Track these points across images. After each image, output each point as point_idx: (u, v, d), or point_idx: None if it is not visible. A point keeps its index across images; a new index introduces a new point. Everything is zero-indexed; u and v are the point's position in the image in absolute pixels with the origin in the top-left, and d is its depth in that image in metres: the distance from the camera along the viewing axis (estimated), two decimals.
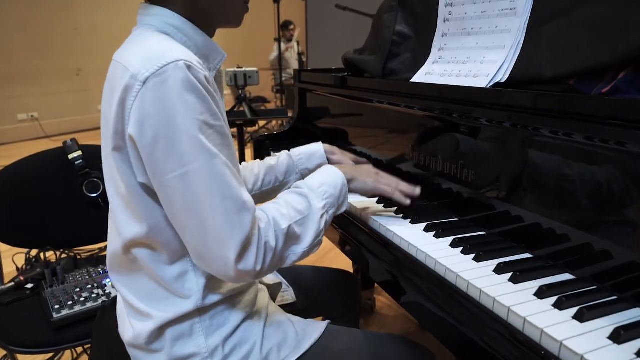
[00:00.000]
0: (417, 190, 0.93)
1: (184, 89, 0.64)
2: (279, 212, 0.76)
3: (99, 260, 1.48)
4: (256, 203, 1.17)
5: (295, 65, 5.86)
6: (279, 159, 1.12)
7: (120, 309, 0.87)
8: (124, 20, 6.55)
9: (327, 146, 1.15)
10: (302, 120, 1.70)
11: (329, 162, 1.12)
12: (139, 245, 0.76)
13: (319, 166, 1.00)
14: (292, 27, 6.02)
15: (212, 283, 0.79)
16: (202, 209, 0.66)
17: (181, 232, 0.70)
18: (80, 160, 1.45)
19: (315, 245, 0.79)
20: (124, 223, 0.75)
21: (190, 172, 0.65)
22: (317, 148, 1.13)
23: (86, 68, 6.16)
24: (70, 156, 1.46)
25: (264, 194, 1.11)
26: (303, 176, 1.11)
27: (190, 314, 0.77)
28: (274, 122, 5.50)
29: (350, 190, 0.89)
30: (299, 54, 5.68)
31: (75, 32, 5.98)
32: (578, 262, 0.68)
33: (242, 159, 2.27)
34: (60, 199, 1.45)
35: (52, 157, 1.48)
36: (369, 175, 0.92)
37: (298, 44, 5.91)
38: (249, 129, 4.33)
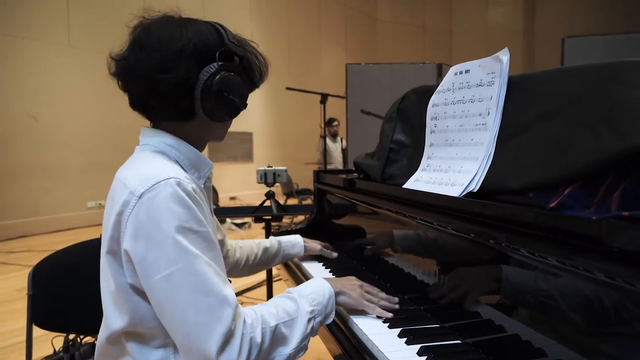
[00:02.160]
0: (396, 306, 1.00)
1: (172, 201, 0.76)
2: (268, 311, 0.82)
3: None
4: (246, 275, 1.32)
5: (339, 159, 6.11)
6: (271, 243, 1.36)
7: None
8: None
9: (304, 238, 1.42)
10: (319, 218, 1.78)
11: (305, 248, 1.40)
12: (126, 334, 0.84)
13: (299, 253, 1.37)
14: (335, 123, 6.39)
15: None
16: (185, 304, 0.74)
17: (168, 328, 0.78)
18: None
19: (301, 348, 0.83)
20: (111, 316, 0.84)
21: (174, 272, 0.75)
22: (298, 239, 1.41)
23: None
24: None
25: (253, 268, 1.32)
26: (284, 259, 1.39)
27: None
28: (301, 217, 5.63)
29: (338, 303, 0.95)
30: (343, 150, 5.95)
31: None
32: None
33: None
34: (94, 286, 1.57)
35: (87, 249, 1.64)
36: (354, 289, 0.99)
37: (342, 140, 6.22)
38: (276, 223, 4.47)
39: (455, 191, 0.94)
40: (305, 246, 1.41)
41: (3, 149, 5.43)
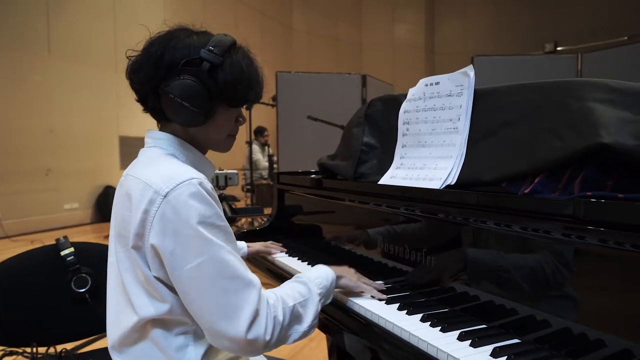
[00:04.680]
0: (384, 288, 1.13)
1: (195, 198, 0.84)
2: (286, 293, 0.92)
3: (80, 358, 1.50)
4: None
5: (265, 165, 6.18)
6: None
7: None
8: (98, 122, 6.86)
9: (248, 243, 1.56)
10: (280, 218, 1.87)
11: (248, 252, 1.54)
12: (153, 321, 0.89)
13: (243, 255, 1.49)
14: (266, 133, 6.46)
15: (208, 356, 0.92)
16: (215, 290, 0.82)
17: (198, 315, 0.84)
18: (72, 257, 1.54)
19: (313, 325, 0.94)
20: (143, 304, 0.88)
21: (202, 263, 0.82)
22: (242, 245, 1.53)
23: (57, 168, 6.23)
24: (63, 252, 1.54)
25: None
26: None
27: None
28: (242, 220, 5.62)
29: (339, 286, 1.07)
30: (269, 156, 6.03)
31: (50, 134, 6.15)
32: (523, 329, 0.84)
33: None
34: (47, 295, 1.50)
35: (43, 254, 1.56)
36: (352, 275, 1.12)
37: (269, 147, 6.30)
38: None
39: (435, 184, 1.11)
40: (248, 248, 1.55)
41: None
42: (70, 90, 6.33)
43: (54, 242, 1.57)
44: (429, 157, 1.20)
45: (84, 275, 1.54)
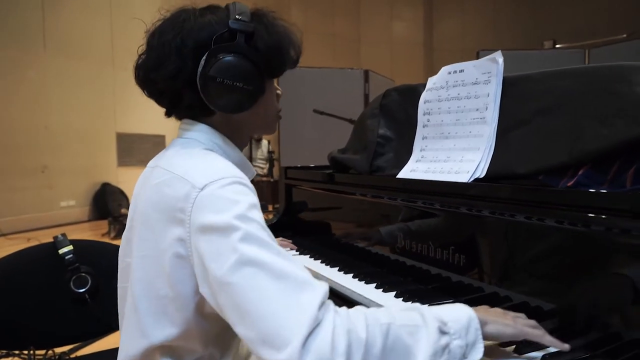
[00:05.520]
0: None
1: (235, 193, 0.71)
2: (379, 311, 0.67)
3: None
4: None
5: (259, 163, 6.09)
6: None
7: None
8: (95, 118, 6.75)
9: None
10: (287, 214, 1.80)
11: None
12: (161, 349, 0.77)
13: None
14: None
15: None
16: (258, 295, 0.64)
17: (240, 328, 0.66)
18: (71, 255, 1.46)
19: None
20: (152, 326, 0.76)
21: (248, 262, 0.65)
22: None
23: (53, 165, 6.14)
24: (61, 251, 1.46)
25: None
26: None
27: None
28: None
29: (488, 334, 0.70)
30: (269, 152, 5.95)
31: (46, 130, 6.04)
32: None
33: None
34: (45, 295, 1.43)
35: (40, 252, 1.49)
36: (503, 315, 0.74)
37: (269, 143, 6.21)
38: None
39: (462, 178, 1.04)
40: None
41: None
42: (66, 86, 6.23)
43: (51, 240, 1.49)
44: (453, 149, 1.13)
45: (83, 274, 1.46)
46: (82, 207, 6.63)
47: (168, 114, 0.89)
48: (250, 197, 0.72)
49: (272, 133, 0.95)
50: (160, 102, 0.88)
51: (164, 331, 0.75)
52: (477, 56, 4.04)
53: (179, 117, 0.90)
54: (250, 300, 0.64)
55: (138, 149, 7.79)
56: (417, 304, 0.74)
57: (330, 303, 0.65)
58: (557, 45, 7.32)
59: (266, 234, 0.70)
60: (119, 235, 5.43)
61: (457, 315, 0.68)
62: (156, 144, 8.30)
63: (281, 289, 0.63)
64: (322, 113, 2.25)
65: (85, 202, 6.70)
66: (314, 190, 1.63)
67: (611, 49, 3.66)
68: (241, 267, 0.65)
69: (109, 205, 6.77)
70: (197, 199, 0.71)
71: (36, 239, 5.04)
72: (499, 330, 0.70)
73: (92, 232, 5.58)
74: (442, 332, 0.65)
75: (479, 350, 0.67)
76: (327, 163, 1.63)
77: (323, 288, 0.65)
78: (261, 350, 0.62)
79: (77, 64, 6.37)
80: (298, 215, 1.74)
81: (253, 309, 0.63)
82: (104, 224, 5.97)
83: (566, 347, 0.71)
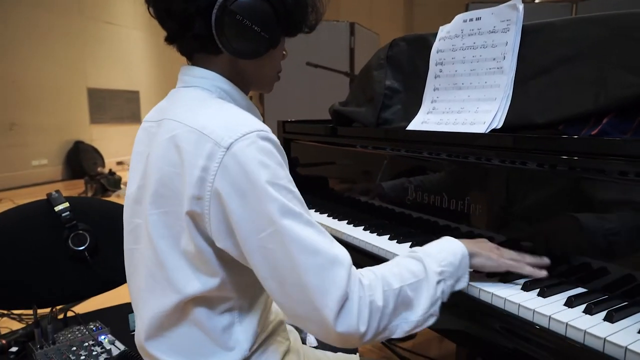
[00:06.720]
0: (546, 260, 0.85)
1: (265, 155, 0.67)
2: (390, 271, 0.73)
3: (84, 318, 1.41)
4: None
5: None
6: None
7: None
8: (65, 72, 6.41)
9: None
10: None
11: None
12: (194, 300, 0.75)
13: None
14: None
15: (255, 337, 0.80)
16: (291, 267, 0.65)
17: (274, 297, 0.70)
18: (68, 212, 1.41)
19: (430, 315, 0.73)
20: (185, 280, 0.74)
21: (274, 232, 0.65)
22: None
23: (22, 122, 5.86)
24: (57, 208, 1.41)
25: None
26: None
27: None
28: None
29: (473, 266, 0.81)
30: None
31: (13, 85, 5.73)
32: (589, 278, 0.80)
33: None
34: (44, 253, 1.39)
35: (36, 210, 1.43)
36: (491, 250, 0.84)
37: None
38: None
39: (479, 129, 1.03)
40: None
41: None
42: (33, 38, 5.86)
43: (44, 197, 1.44)
44: (467, 99, 1.12)
45: (81, 232, 1.42)
46: (55, 166, 6.43)
47: (169, 40, 0.81)
48: (276, 156, 0.69)
49: (268, 92, 0.90)
50: (164, 24, 0.80)
51: (197, 283, 0.73)
52: (467, 9, 3.96)
53: (180, 48, 0.82)
54: (286, 268, 0.66)
55: (110, 105, 7.51)
56: (420, 250, 0.79)
57: (353, 272, 0.68)
58: None
59: (297, 202, 0.68)
60: (96, 194, 5.30)
61: (453, 252, 0.78)
62: (130, 100, 8.02)
63: (316, 264, 0.65)
64: (316, 66, 2.18)
65: (58, 160, 6.49)
66: (315, 144, 1.61)
67: (600, 2, 3.64)
68: (273, 238, 0.66)
69: (84, 163, 6.58)
70: (224, 159, 0.66)
71: (9, 199, 4.89)
72: (482, 263, 0.82)
73: (68, 192, 5.40)
74: (438, 282, 0.74)
75: (464, 282, 0.79)
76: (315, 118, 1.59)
77: (347, 259, 0.68)
78: (296, 318, 0.69)
79: (45, 14, 5.97)
80: (298, 170, 1.72)
81: (289, 280, 0.66)
82: (79, 183, 5.82)
83: (543, 273, 0.83)
